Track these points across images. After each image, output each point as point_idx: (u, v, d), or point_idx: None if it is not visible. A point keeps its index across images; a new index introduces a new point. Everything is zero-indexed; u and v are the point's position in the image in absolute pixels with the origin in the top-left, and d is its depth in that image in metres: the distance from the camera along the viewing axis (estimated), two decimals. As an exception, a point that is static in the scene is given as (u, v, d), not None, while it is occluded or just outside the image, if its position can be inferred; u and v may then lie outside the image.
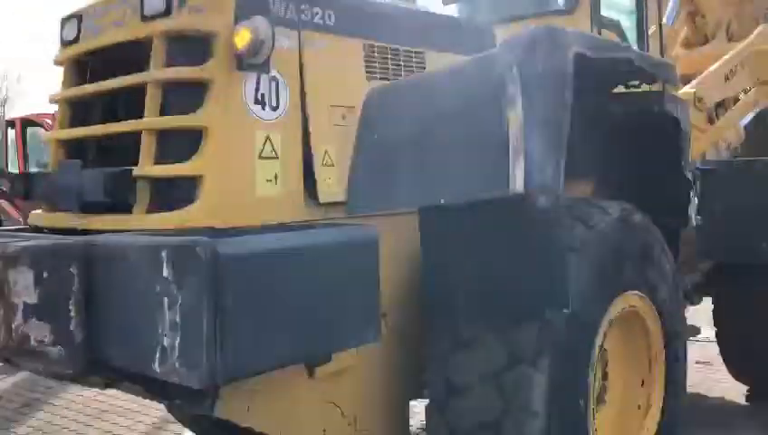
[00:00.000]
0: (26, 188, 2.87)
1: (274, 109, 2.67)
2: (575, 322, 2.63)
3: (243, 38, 2.42)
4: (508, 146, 2.49)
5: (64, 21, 2.98)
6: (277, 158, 2.67)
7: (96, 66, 2.86)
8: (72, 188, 2.60)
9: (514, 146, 2.47)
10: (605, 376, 3.36)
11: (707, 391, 5.84)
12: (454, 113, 2.67)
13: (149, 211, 2.49)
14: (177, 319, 1.95)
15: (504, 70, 2.52)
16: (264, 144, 2.63)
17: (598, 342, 2.89)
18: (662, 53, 4.81)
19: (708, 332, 5.86)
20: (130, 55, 2.66)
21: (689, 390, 3.82)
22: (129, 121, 2.56)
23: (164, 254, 1.96)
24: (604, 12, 4.36)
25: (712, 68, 5.75)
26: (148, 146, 2.50)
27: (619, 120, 3.63)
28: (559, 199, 2.42)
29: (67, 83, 2.95)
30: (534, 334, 2.54)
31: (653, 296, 3.28)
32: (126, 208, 2.51)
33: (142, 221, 2.46)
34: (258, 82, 2.60)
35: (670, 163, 3.61)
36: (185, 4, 2.49)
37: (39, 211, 2.91)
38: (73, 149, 2.87)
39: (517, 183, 2.44)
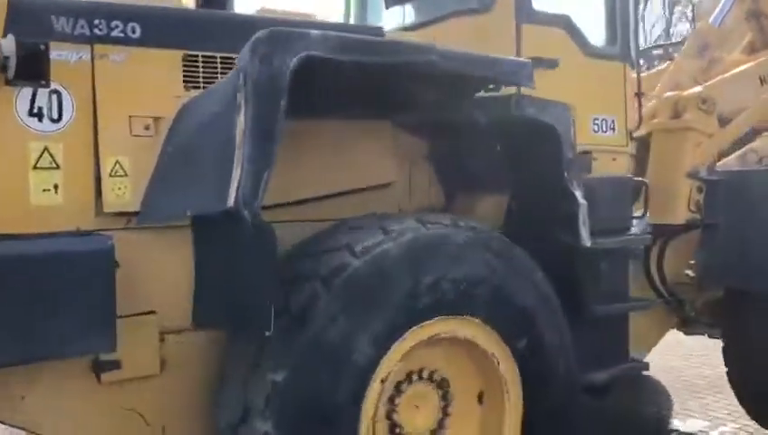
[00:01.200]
0: None
1: (55, 121, 2.76)
2: (312, 345, 2.46)
3: (-12, 55, 2.55)
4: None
5: None
6: (58, 168, 2.76)
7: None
8: None
9: (237, 156, 2.36)
10: (446, 407, 3.09)
11: None
12: (211, 122, 2.61)
13: (-77, 218, 2.69)
14: None
15: (237, 76, 2.42)
16: (41, 155, 2.73)
17: (380, 370, 2.67)
18: (636, 50, 4.29)
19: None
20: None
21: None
22: None
23: None
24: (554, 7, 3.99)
25: (738, 69, 4.98)
26: None
27: (507, 130, 3.30)
28: (257, 212, 2.26)
29: None
30: (253, 355, 2.41)
31: (496, 328, 2.95)
32: None
33: None
34: (35, 96, 2.72)
35: (555, 174, 3.20)
36: (-45, 25, 2.67)
37: None
38: None
39: (230, 195, 2.32)
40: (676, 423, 5.39)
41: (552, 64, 3.92)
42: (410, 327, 2.73)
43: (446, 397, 3.08)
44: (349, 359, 2.58)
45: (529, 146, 3.27)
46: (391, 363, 2.74)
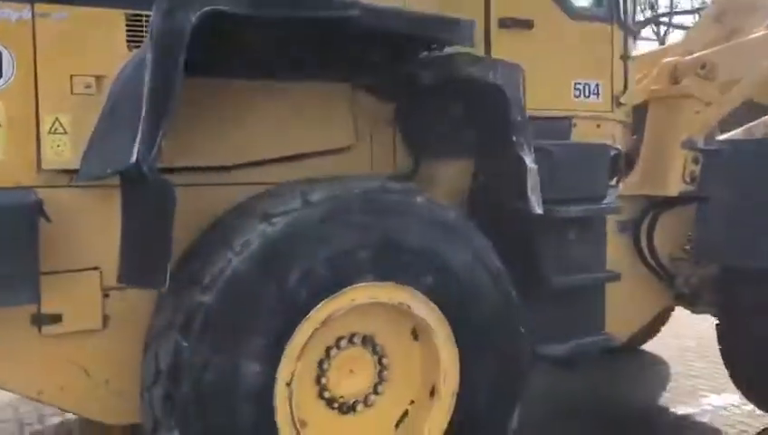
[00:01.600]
0: None
1: None
2: (193, 398, 2.51)
3: None
4: (144, 113, 2.39)
5: None
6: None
7: None
8: None
9: (142, 114, 2.37)
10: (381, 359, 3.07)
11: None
12: (130, 79, 2.61)
13: None
14: None
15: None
16: None
17: (281, 375, 2.67)
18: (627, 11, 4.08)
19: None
20: None
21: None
22: None
23: None
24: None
25: (749, 37, 4.67)
26: None
27: (460, 91, 3.20)
28: (153, 168, 2.26)
29: None
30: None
31: (392, 279, 2.86)
32: None
33: None
34: (-26, 55, 2.79)
35: (504, 137, 3.09)
36: None
37: None
38: None
39: (134, 152, 2.33)
40: (712, 397, 5.28)
41: (526, 25, 3.78)
42: (295, 327, 2.67)
43: (376, 350, 3.04)
44: (238, 390, 2.56)
45: (482, 108, 3.17)
46: (291, 362, 2.70)
